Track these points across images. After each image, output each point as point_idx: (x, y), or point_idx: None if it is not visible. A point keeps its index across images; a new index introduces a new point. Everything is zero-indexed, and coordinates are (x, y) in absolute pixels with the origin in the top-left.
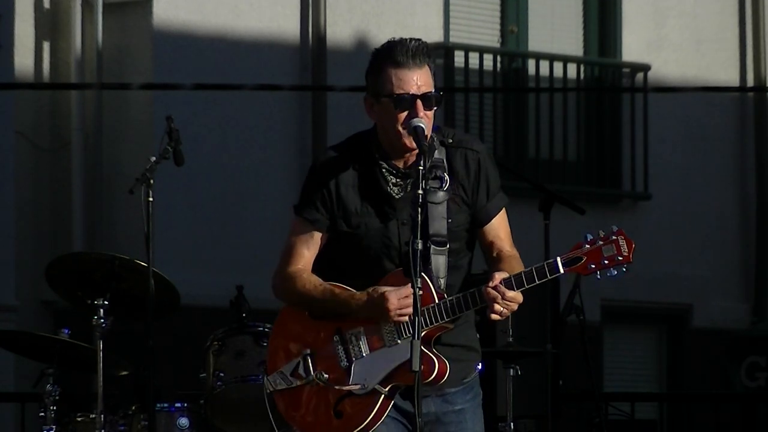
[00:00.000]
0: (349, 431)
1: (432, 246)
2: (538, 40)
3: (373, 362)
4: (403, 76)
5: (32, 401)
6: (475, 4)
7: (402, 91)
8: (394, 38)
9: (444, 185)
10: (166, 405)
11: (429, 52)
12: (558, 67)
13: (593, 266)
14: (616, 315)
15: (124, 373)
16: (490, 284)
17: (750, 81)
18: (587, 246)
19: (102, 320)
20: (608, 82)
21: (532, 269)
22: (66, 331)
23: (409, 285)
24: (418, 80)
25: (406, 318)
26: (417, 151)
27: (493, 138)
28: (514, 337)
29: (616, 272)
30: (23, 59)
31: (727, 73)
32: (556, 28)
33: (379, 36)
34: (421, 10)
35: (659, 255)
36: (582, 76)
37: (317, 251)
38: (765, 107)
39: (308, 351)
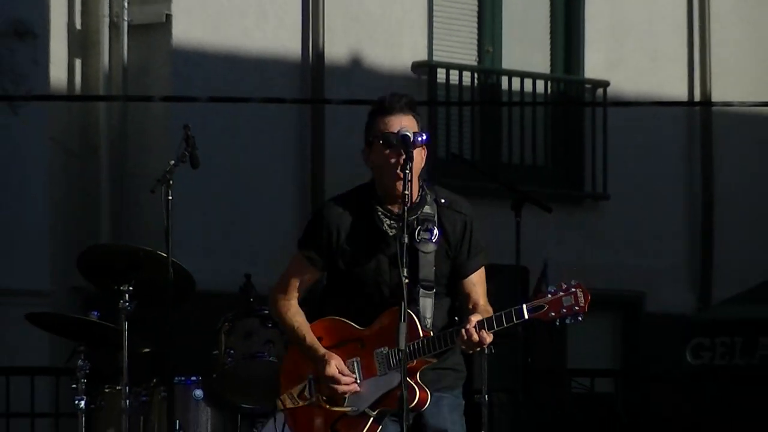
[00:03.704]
0: None
1: (420, 289)
2: (510, 59)
3: (366, 388)
4: (390, 120)
5: (65, 375)
6: (456, 26)
7: (390, 130)
8: (384, 95)
9: (433, 238)
10: (182, 378)
11: (413, 105)
12: (528, 83)
13: (553, 314)
14: None
15: (146, 350)
16: (466, 326)
17: (697, 96)
18: (549, 296)
19: (127, 304)
20: (572, 97)
21: (501, 314)
22: (95, 313)
23: (353, 375)
24: (402, 124)
25: (338, 387)
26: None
27: (471, 145)
28: None
29: (573, 320)
30: (57, 74)
31: (676, 89)
32: (526, 49)
33: (371, 55)
34: (407, 32)
35: (616, 249)
36: (549, 91)
37: (309, 285)
38: (710, 119)
39: (311, 376)
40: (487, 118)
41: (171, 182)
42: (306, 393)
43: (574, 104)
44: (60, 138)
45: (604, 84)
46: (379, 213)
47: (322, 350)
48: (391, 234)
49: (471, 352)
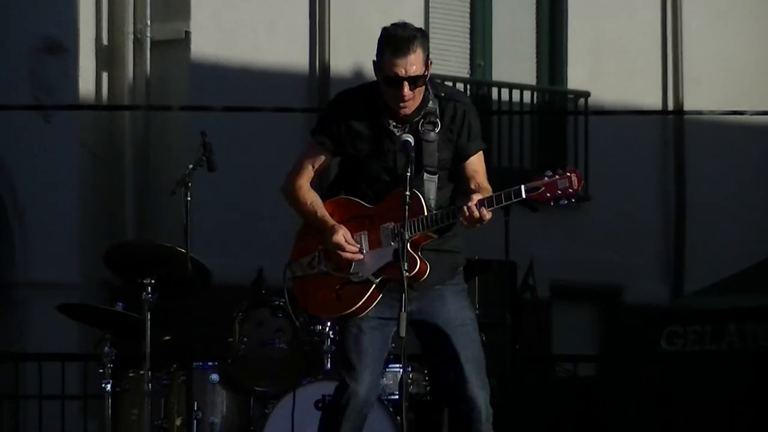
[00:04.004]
0: (344, 310)
1: (425, 174)
2: (500, 72)
3: (370, 258)
4: (396, 61)
5: (93, 360)
6: (450, 42)
7: (393, 74)
8: (396, 24)
9: (436, 129)
10: (200, 364)
11: (422, 39)
12: (516, 93)
13: (548, 195)
14: (562, 292)
15: (167, 338)
16: (468, 203)
17: (670, 106)
18: (546, 178)
19: (149, 296)
20: (556, 106)
21: (501, 193)
22: (120, 304)
23: (357, 245)
24: (408, 65)
25: (343, 253)
26: (407, 106)
27: None
28: (481, 310)
29: (566, 202)
30: (86, 86)
31: (652, 99)
32: (514, 63)
33: (370, 66)
34: None
35: (597, 245)
36: (535, 101)
37: (321, 168)
38: (682, 127)
39: (321, 247)
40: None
41: (189, 184)
42: (315, 262)
43: (558, 113)
44: (88, 144)
45: (586, 94)
46: (386, 113)
47: (331, 222)
48: (396, 133)
49: (468, 226)
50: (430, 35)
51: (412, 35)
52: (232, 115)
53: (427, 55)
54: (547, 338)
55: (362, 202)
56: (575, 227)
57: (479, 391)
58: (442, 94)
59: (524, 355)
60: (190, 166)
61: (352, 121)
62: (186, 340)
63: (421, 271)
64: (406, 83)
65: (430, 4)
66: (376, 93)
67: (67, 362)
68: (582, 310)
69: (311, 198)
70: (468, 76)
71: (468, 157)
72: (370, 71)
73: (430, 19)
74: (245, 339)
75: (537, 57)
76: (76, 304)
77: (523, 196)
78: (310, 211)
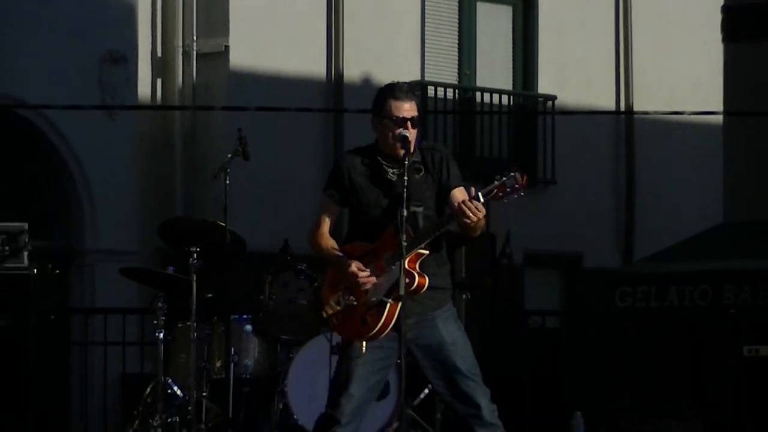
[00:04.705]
0: (370, 332)
1: (413, 206)
2: (482, 79)
3: (380, 283)
4: (399, 105)
5: (149, 314)
6: (441, 55)
7: (398, 115)
8: (393, 81)
9: (421, 173)
10: (236, 317)
11: (414, 92)
12: (495, 97)
13: (501, 194)
14: (533, 259)
15: (209, 296)
16: (464, 201)
17: (622, 107)
18: (496, 182)
19: (195, 261)
20: (528, 108)
21: (470, 199)
22: (171, 268)
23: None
24: (408, 108)
25: (359, 280)
26: (403, 151)
27: (452, 143)
28: (466, 274)
29: (517, 196)
30: (143, 90)
31: (607, 102)
32: (495, 71)
33: (378, 76)
34: (405, 59)
35: (562, 220)
36: (511, 103)
37: (335, 217)
38: (632, 124)
39: (343, 286)
40: (465, 123)
41: (228, 171)
42: (340, 299)
43: (530, 113)
44: (145, 138)
45: (553, 98)
46: (383, 164)
47: (344, 259)
48: (393, 180)
49: (470, 221)
50: (426, 51)
51: (410, 88)
52: (263, 114)
53: (422, 109)
54: (521, 296)
55: (365, 243)
56: (544, 206)
57: (479, 393)
58: (423, 146)
59: (502, 310)
60: (229, 155)
61: (354, 174)
62: (225, 297)
63: (420, 284)
64: (409, 123)
65: (426, 25)
66: (373, 148)
67: (128, 315)
68: (549, 274)
69: (330, 244)
70: (456, 82)
71: (450, 190)
72: (375, 79)
73: (426, 37)
74: (273, 297)
75: (513, 67)
76: (135, 267)
77: (481, 200)
78: (329, 255)
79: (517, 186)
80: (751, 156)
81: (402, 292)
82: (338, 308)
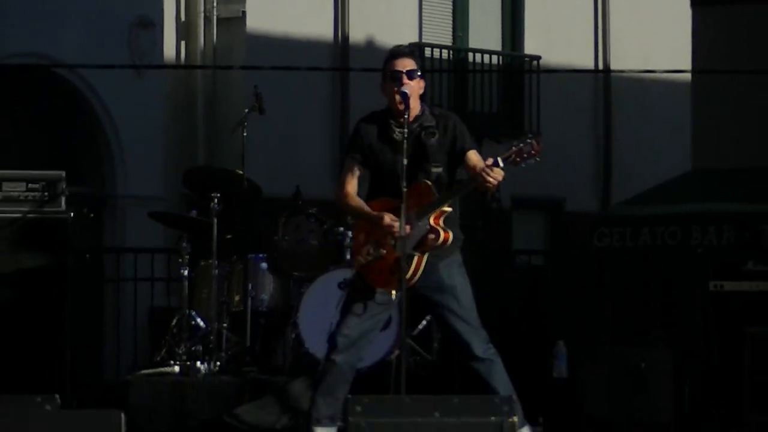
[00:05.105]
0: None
1: (432, 168)
2: (475, 40)
3: (408, 238)
4: (395, 62)
5: (174, 253)
6: (437, 18)
7: (395, 69)
8: (394, 45)
9: (435, 137)
10: (253, 256)
11: (414, 52)
12: (486, 57)
13: (518, 159)
14: (520, 203)
15: (229, 237)
16: (482, 167)
17: (600, 66)
18: (514, 148)
19: (216, 205)
20: (516, 67)
21: (491, 163)
22: (194, 212)
23: (398, 217)
24: (402, 63)
25: (394, 230)
26: (402, 106)
27: (448, 99)
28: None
29: (533, 161)
30: (168, 51)
31: (586, 61)
32: (485, 34)
33: (380, 39)
34: (405, 23)
35: (546, 169)
36: (501, 63)
37: (358, 175)
38: (609, 82)
39: (373, 239)
40: (458, 81)
41: (245, 124)
42: (371, 250)
43: (518, 72)
44: (171, 95)
45: (538, 58)
46: (392, 125)
47: (376, 213)
48: (398, 139)
49: (491, 185)
50: (423, 15)
51: (411, 49)
52: (277, 73)
53: (421, 69)
54: (509, 236)
55: (390, 199)
56: None
57: (470, 333)
58: (437, 113)
59: (492, 249)
60: (246, 110)
61: (369, 137)
62: (243, 238)
63: (446, 239)
64: (405, 76)
65: None
66: (384, 112)
67: (156, 254)
68: (534, 216)
69: (358, 202)
70: (451, 43)
71: (465, 152)
72: (378, 41)
73: (423, 3)
74: (286, 237)
75: (502, 29)
76: (162, 212)
77: (500, 165)
78: (359, 212)
79: (533, 152)
80: (717, 110)
81: (407, 249)
82: (369, 258)
